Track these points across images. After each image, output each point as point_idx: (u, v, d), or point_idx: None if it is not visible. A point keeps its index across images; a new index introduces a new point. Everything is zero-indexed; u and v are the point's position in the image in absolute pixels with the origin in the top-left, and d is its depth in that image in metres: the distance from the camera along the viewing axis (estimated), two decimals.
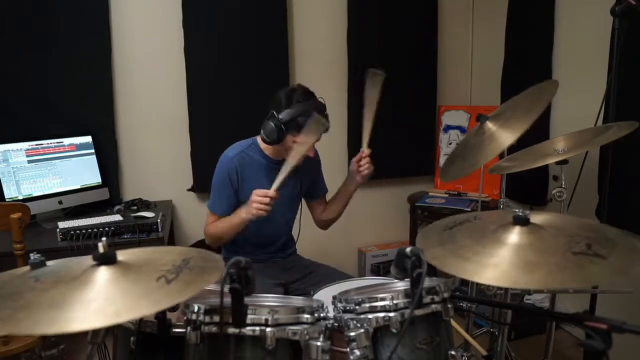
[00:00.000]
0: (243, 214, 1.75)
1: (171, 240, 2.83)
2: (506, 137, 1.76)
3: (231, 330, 0.96)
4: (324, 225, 2.15)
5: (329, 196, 2.14)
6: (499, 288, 1.63)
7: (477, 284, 1.91)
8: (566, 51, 2.61)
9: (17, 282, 0.88)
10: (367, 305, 1.05)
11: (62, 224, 2.26)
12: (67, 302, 0.77)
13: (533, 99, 1.82)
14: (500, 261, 0.95)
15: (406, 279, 1.04)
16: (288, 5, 2.97)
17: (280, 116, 1.73)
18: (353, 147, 3.23)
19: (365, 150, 1.86)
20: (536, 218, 1.07)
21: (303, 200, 2.11)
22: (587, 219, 1.11)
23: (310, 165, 1.99)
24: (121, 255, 0.91)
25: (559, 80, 1.85)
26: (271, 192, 1.67)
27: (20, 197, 2.43)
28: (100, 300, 0.78)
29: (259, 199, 1.67)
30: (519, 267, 0.94)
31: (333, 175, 2.19)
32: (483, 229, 1.08)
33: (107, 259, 0.88)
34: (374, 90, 1.80)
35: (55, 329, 0.70)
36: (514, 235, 1.01)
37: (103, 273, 0.85)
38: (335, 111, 3.18)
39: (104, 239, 0.90)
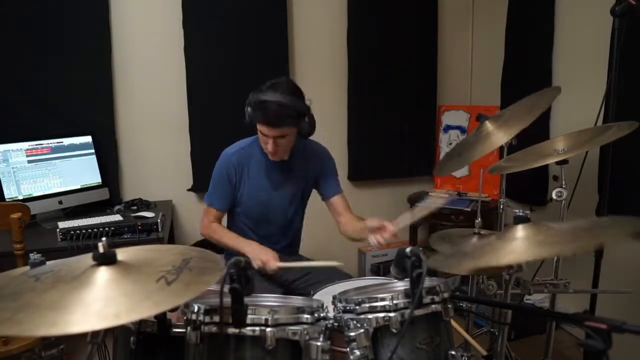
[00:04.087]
0: (250, 254, 1.74)
1: (171, 240, 2.83)
2: (502, 135, 1.77)
3: (231, 330, 0.96)
4: (344, 236, 2.05)
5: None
6: (500, 287, 1.63)
7: (477, 284, 1.91)
8: (566, 51, 2.60)
9: (17, 282, 0.88)
10: (367, 305, 1.05)
11: (62, 224, 2.26)
12: (67, 303, 0.76)
13: (534, 102, 1.83)
14: (515, 247, 0.99)
15: (406, 279, 1.04)
16: (288, 5, 2.97)
17: (248, 101, 1.76)
18: (353, 147, 3.23)
19: (391, 231, 1.71)
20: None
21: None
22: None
23: (315, 165, 1.99)
24: (121, 254, 0.91)
25: (559, 80, 1.86)
26: (275, 267, 1.72)
27: (20, 197, 2.43)
28: (100, 301, 0.78)
29: (264, 265, 1.72)
30: (536, 244, 0.97)
31: None
32: (486, 237, 1.10)
33: (107, 259, 0.87)
34: (428, 209, 1.85)
35: (55, 330, 0.70)
36: (520, 232, 1.03)
37: (103, 273, 0.85)
38: (336, 111, 3.21)
39: (104, 239, 0.90)
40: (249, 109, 1.77)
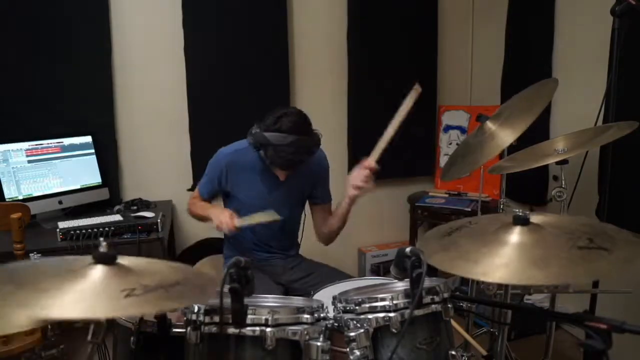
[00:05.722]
0: (212, 216, 1.77)
1: (171, 240, 2.83)
2: (505, 136, 1.76)
3: (231, 330, 0.96)
4: (325, 239, 2.06)
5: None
6: (500, 288, 1.63)
7: (477, 284, 1.91)
8: (566, 51, 2.61)
9: None
10: (367, 305, 1.05)
11: (62, 224, 2.25)
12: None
13: (533, 97, 1.82)
14: (508, 261, 0.95)
15: (406, 279, 1.04)
16: (288, 6, 2.97)
17: (256, 133, 1.72)
18: (353, 149, 3.22)
19: (372, 162, 1.77)
20: (533, 218, 1.07)
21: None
22: (582, 216, 1.11)
23: (313, 170, 1.96)
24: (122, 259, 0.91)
25: (559, 80, 1.86)
26: (236, 223, 1.69)
27: (20, 197, 2.43)
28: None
29: (223, 223, 1.70)
30: (530, 264, 0.94)
31: (332, 179, 2.17)
32: (483, 232, 1.08)
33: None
34: (408, 104, 1.74)
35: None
36: (516, 235, 1.01)
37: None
38: (336, 112, 3.21)
39: (101, 238, 0.90)
40: (258, 146, 1.71)
